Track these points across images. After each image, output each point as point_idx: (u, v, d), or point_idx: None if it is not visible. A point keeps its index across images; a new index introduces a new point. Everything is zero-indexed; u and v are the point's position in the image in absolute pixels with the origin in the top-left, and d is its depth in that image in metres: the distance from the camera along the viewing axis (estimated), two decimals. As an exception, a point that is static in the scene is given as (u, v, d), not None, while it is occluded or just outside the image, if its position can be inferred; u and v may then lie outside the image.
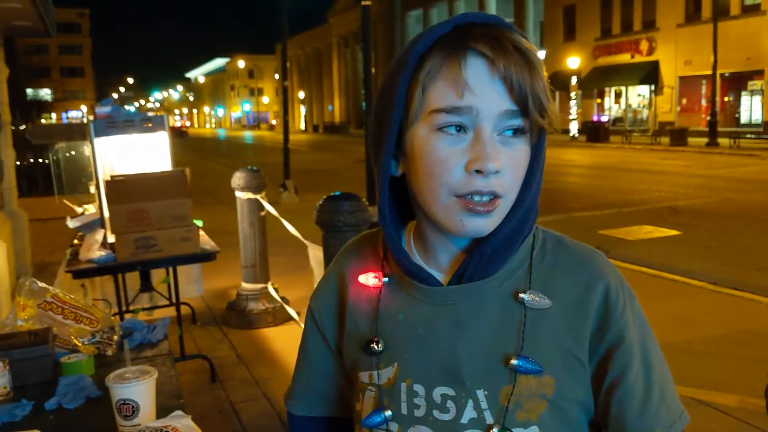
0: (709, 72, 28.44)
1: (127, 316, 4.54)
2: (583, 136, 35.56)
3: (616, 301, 0.96)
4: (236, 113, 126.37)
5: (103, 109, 4.42)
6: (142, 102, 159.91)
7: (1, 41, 7.28)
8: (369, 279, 1.06)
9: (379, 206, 1.00)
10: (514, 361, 0.94)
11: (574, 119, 37.40)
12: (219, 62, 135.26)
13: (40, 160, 15.18)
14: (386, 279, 1.05)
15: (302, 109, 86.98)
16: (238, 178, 5.82)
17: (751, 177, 17.03)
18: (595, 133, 34.22)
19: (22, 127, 15.18)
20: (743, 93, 33.63)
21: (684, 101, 35.86)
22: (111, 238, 4.14)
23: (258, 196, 5.82)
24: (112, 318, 2.38)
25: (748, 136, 27.99)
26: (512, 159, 0.90)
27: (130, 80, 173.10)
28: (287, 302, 5.95)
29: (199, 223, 4.41)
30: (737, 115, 33.86)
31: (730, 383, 4.20)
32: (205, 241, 4.54)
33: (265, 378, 4.72)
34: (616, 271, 1.00)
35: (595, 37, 39.95)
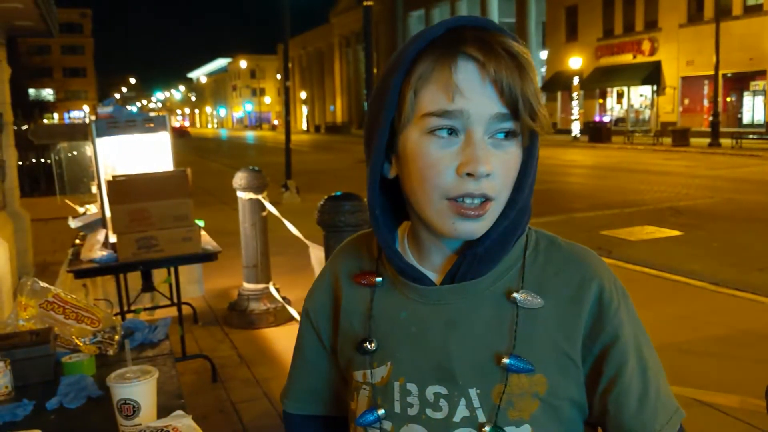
0: (712, 72, 28.42)
1: (129, 316, 4.55)
2: (585, 137, 35.53)
3: (609, 301, 0.96)
4: (238, 113, 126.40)
5: (105, 109, 4.42)
6: (144, 102, 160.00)
7: (3, 41, 7.29)
8: (363, 279, 1.07)
9: (370, 207, 1.01)
10: (505, 360, 0.94)
11: (576, 119, 37.37)
12: (221, 62, 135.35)
13: (42, 160, 15.19)
14: (380, 279, 1.06)
15: (304, 109, 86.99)
16: (239, 178, 5.82)
17: (754, 177, 17.01)
18: (597, 133, 34.19)
19: (25, 127, 15.18)
20: (745, 93, 33.58)
21: (686, 101, 35.82)
22: (112, 238, 4.14)
23: (259, 196, 5.82)
24: (114, 318, 2.38)
25: (751, 136, 27.95)
26: (504, 162, 0.91)
27: (132, 80, 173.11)
28: (289, 302, 5.95)
29: (201, 223, 4.41)
30: (739, 116, 33.81)
31: (732, 383, 4.20)
32: (207, 241, 4.54)
33: (267, 378, 4.72)
34: (609, 270, 1.00)
35: (597, 37, 39.91)
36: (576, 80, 37.57)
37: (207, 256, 4.33)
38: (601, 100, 41.58)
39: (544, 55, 46.43)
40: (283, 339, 5.52)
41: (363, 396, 1.04)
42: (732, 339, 5.27)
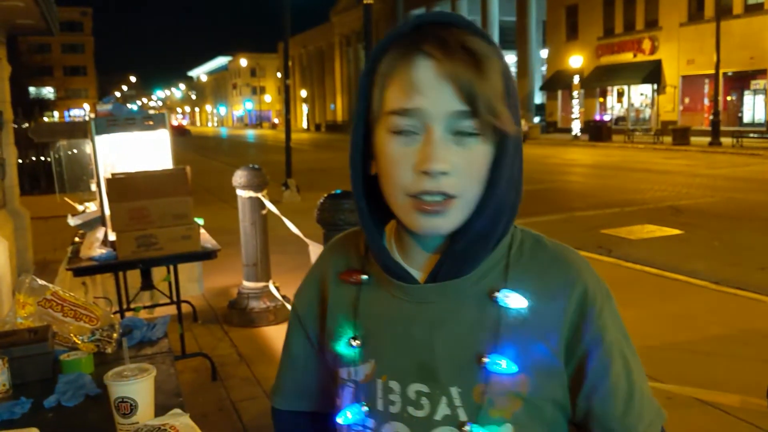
0: (712, 71, 28.41)
1: (128, 314, 4.54)
2: (585, 136, 35.52)
3: (593, 302, 0.96)
4: (238, 112, 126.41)
5: (105, 107, 4.41)
6: (145, 100, 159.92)
7: (3, 39, 7.28)
8: (350, 276, 1.08)
9: (355, 202, 1.01)
10: (486, 360, 0.95)
11: (576, 118, 37.36)
12: (221, 61, 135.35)
13: (42, 159, 15.18)
14: (365, 277, 1.06)
15: (304, 108, 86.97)
16: (239, 177, 5.81)
17: (754, 176, 17.00)
18: (597, 132, 34.19)
19: (25, 125, 15.17)
20: (746, 92, 33.57)
21: (686, 100, 35.81)
22: (112, 236, 4.13)
23: (259, 195, 5.81)
24: (112, 316, 2.37)
25: (751, 135, 27.97)
26: (467, 159, 0.90)
27: (133, 79, 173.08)
28: (288, 301, 5.94)
29: (200, 221, 4.40)
30: (740, 115, 33.80)
31: (733, 383, 4.19)
32: (206, 239, 4.53)
33: (266, 377, 4.71)
34: (593, 271, 1.00)
35: (597, 36, 39.90)
36: (576, 79, 37.56)
37: (206, 255, 4.32)
38: (601, 99, 41.57)
39: (544, 54, 46.44)
40: (282, 337, 5.47)
41: (347, 393, 1.05)
42: (733, 338, 5.26)
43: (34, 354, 2.05)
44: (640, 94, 39.26)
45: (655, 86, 36.97)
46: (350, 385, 1.04)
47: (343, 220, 3.61)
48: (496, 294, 0.96)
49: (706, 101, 34.21)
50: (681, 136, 29.28)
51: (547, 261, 0.99)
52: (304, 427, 1.21)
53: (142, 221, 3.97)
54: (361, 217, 1.01)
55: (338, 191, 3.79)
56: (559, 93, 43.65)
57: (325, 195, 3.76)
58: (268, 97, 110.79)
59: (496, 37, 47.98)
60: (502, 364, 0.94)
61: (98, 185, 4.40)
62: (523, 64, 46.12)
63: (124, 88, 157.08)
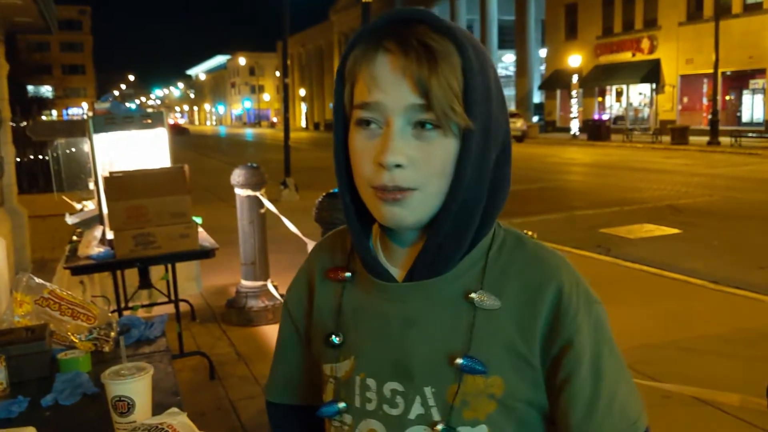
0: (711, 70, 28.44)
1: (126, 313, 4.53)
2: (584, 135, 35.53)
3: (568, 305, 0.94)
4: (237, 110, 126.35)
5: (103, 105, 4.41)
6: (143, 99, 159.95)
7: (2, 38, 7.26)
8: (334, 274, 1.09)
9: (341, 200, 1.02)
10: (459, 361, 0.94)
11: (575, 117, 37.38)
12: (220, 59, 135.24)
13: (41, 157, 15.17)
14: (349, 274, 1.07)
15: (303, 107, 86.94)
16: (237, 175, 5.80)
17: (753, 176, 17.01)
18: (596, 131, 34.19)
19: (23, 123, 15.15)
20: (745, 92, 33.61)
21: (685, 100, 35.84)
22: (110, 235, 4.12)
23: (258, 193, 5.80)
24: (110, 314, 2.37)
25: (750, 134, 27.99)
26: (425, 152, 0.90)
27: (131, 78, 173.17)
28: (287, 300, 5.93)
29: (198, 220, 4.39)
30: (738, 114, 33.84)
31: (731, 382, 4.19)
32: (204, 237, 4.52)
33: (265, 375, 4.64)
34: (573, 273, 0.99)
35: (596, 35, 39.92)
36: (575, 78, 37.58)
37: (205, 253, 4.32)
38: (600, 98, 41.60)
39: (543, 53, 46.48)
40: (281, 336, 5.49)
41: (329, 389, 1.06)
42: (732, 337, 5.26)
43: (32, 352, 2.05)
44: (638, 93, 39.28)
45: (654, 85, 37.00)
46: (332, 381, 1.06)
47: (341, 219, 3.59)
48: (472, 294, 0.96)
49: (705, 101, 34.24)
50: (679, 135, 29.29)
51: (524, 261, 0.99)
52: (295, 419, 1.22)
53: (140, 220, 3.96)
54: (345, 214, 1.02)
55: (336, 190, 3.78)
56: (558, 92, 43.68)
57: (324, 194, 3.76)
58: (266, 96, 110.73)
59: (494, 36, 48.46)
60: (475, 366, 0.94)
61: (96, 184, 4.39)
62: (522, 63, 46.15)
63: (123, 86, 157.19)
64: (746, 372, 4.47)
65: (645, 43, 36.80)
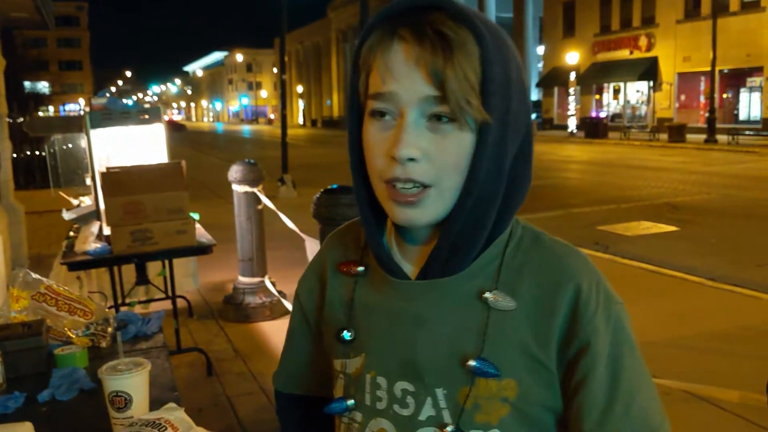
0: (708, 68, 28.47)
1: (123, 308, 4.52)
2: (581, 132, 35.54)
3: (586, 305, 0.90)
4: (234, 107, 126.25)
5: (100, 101, 4.39)
6: (140, 96, 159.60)
7: (-3, 33, 7.25)
8: (347, 267, 1.06)
9: (355, 193, 0.99)
10: (471, 363, 0.91)
11: (572, 115, 37.39)
12: (217, 56, 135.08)
13: (37, 153, 15.14)
14: (362, 269, 1.04)
15: (301, 104, 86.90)
16: (235, 171, 5.79)
17: (750, 174, 17.03)
18: (593, 129, 34.19)
19: (20, 119, 15.14)
20: (742, 90, 33.66)
21: (682, 98, 35.87)
22: (107, 231, 4.11)
23: (255, 190, 5.79)
24: (107, 310, 2.36)
25: (747, 132, 28.01)
26: (441, 146, 0.87)
27: (128, 74, 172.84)
28: (284, 296, 5.93)
29: (196, 216, 4.38)
30: (736, 112, 33.89)
31: (729, 379, 4.19)
32: (202, 234, 4.52)
33: (262, 372, 4.70)
34: (594, 272, 0.95)
35: (594, 33, 39.93)
36: (573, 76, 37.58)
37: (202, 249, 4.31)
38: (597, 96, 41.63)
39: (541, 50, 46.47)
40: (278, 333, 5.49)
41: (339, 384, 1.04)
42: (730, 335, 5.26)
43: (28, 348, 2.04)
44: (636, 91, 39.31)
45: (652, 83, 37.02)
46: (342, 377, 1.03)
47: (340, 215, 3.60)
48: (486, 295, 0.92)
49: (702, 98, 34.28)
50: (677, 133, 29.30)
51: (541, 260, 0.94)
52: (303, 409, 1.20)
53: (137, 216, 3.95)
54: (360, 208, 0.98)
55: (334, 186, 3.77)
56: (556, 90, 43.68)
57: (321, 190, 3.74)
58: (264, 93, 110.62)
59: (492, 34, 48.35)
60: (488, 369, 0.90)
61: (93, 179, 4.38)
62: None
63: (120, 83, 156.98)
64: (744, 369, 4.47)
65: (643, 41, 36.82)
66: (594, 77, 39.78)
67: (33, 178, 15.25)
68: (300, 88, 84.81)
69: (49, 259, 7.20)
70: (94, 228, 4.33)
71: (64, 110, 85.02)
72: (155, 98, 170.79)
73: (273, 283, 6.02)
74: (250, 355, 5.03)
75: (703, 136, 27.84)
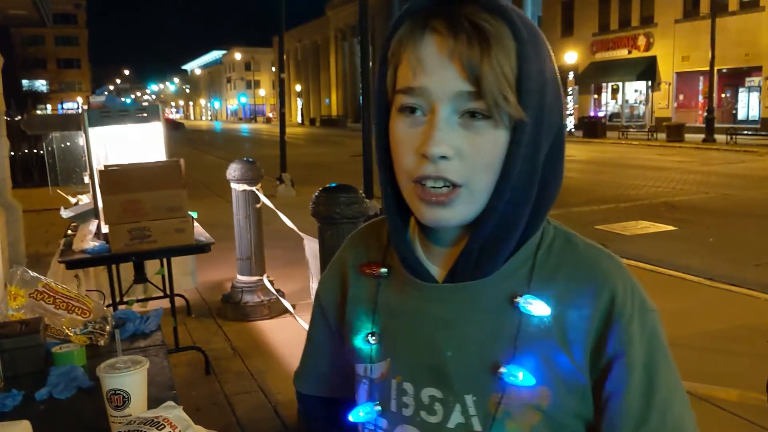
0: (707, 68, 28.44)
1: (121, 307, 4.51)
2: (579, 132, 35.54)
3: (621, 312, 0.88)
4: (233, 106, 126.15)
5: (98, 99, 4.38)
6: (139, 94, 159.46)
7: (-5, 30, 7.24)
8: (369, 269, 1.02)
9: (381, 190, 0.95)
10: (502, 370, 0.88)
11: (571, 114, 37.39)
12: (216, 54, 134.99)
13: (35, 151, 15.12)
14: (385, 270, 1.00)
15: (299, 102, 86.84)
16: (233, 170, 5.78)
17: (748, 173, 17.04)
18: (591, 128, 34.19)
19: (18, 117, 15.12)
20: (741, 89, 33.68)
21: (681, 97, 35.89)
22: (105, 229, 4.10)
23: (254, 188, 5.78)
24: (105, 308, 2.35)
25: (745, 132, 28.03)
26: (474, 144, 0.83)
27: (127, 72, 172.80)
28: (283, 295, 5.92)
29: (194, 214, 4.38)
30: (734, 112, 33.90)
31: (727, 379, 4.19)
32: (200, 232, 4.51)
33: (261, 370, 4.69)
34: (629, 277, 0.92)
35: (592, 32, 39.94)
36: (571, 75, 37.62)
37: (200, 248, 4.30)
38: (596, 96, 41.63)
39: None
40: (277, 331, 5.49)
41: (363, 389, 1.00)
42: (728, 334, 5.27)
43: (26, 346, 2.03)
44: (634, 90, 39.32)
45: (650, 83, 37.03)
46: (365, 382, 1.00)
47: (339, 214, 3.59)
48: (518, 299, 0.89)
49: (701, 98, 34.30)
50: (675, 132, 29.29)
51: (575, 264, 0.91)
52: (329, 410, 1.16)
53: (135, 214, 3.94)
54: (385, 207, 0.94)
55: (333, 185, 3.76)
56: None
57: (320, 189, 3.74)
58: (262, 92, 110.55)
59: (491, 33, 48.42)
60: (519, 376, 0.87)
61: (91, 177, 4.37)
62: (518, 59, 46.15)
63: (118, 81, 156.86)
64: (742, 368, 4.48)
65: (641, 41, 36.83)
66: (592, 76, 39.79)
67: (31, 176, 15.23)
68: (298, 87, 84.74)
69: (47, 257, 7.19)
70: (93, 226, 4.32)
71: (62, 108, 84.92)
72: (153, 96, 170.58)
73: (271, 282, 6.01)
74: (248, 354, 5.03)
75: (702, 136, 27.84)
